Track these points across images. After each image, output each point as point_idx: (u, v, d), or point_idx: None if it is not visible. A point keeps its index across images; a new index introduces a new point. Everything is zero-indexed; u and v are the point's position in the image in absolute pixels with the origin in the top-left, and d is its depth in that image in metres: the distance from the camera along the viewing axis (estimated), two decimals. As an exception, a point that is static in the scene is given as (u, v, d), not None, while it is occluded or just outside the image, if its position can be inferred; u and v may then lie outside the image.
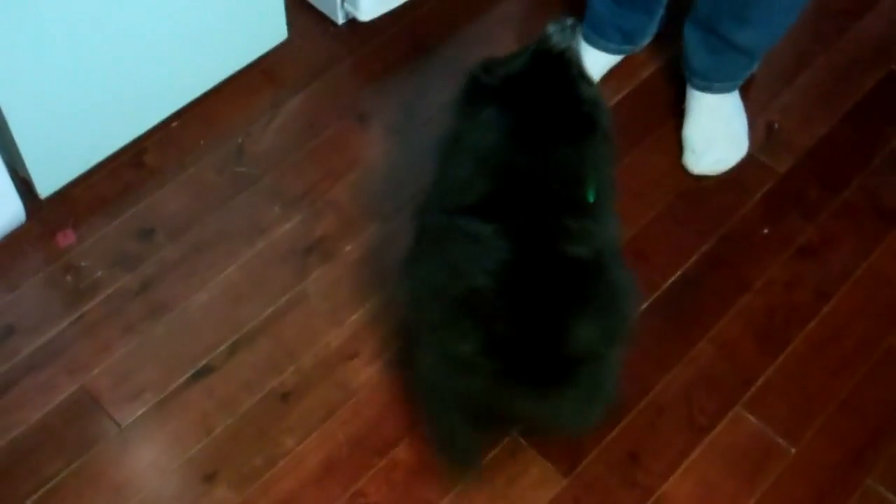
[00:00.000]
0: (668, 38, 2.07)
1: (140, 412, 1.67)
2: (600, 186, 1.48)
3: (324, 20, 2.11)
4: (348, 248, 1.84)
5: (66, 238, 1.82)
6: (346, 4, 2.04)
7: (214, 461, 1.63)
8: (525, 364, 1.44)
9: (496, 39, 2.13)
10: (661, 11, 2.00)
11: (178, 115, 1.96)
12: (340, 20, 2.08)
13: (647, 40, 2.08)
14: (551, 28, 1.49)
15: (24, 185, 1.80)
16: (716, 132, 1.98)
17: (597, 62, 2.04)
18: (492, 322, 1.43)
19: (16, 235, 1.81)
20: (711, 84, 1.98)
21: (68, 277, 1.79)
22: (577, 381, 1.49)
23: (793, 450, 1.66)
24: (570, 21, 1.50)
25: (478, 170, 1.46)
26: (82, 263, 1.80)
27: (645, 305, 1.79)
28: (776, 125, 2.04)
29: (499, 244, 1.42)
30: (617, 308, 1.51)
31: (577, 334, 1.45)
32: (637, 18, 2.00)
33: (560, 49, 1.48)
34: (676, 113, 2.03)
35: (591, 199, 1.47)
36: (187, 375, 1.70)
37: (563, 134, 1.44)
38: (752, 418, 1.69)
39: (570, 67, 1.50)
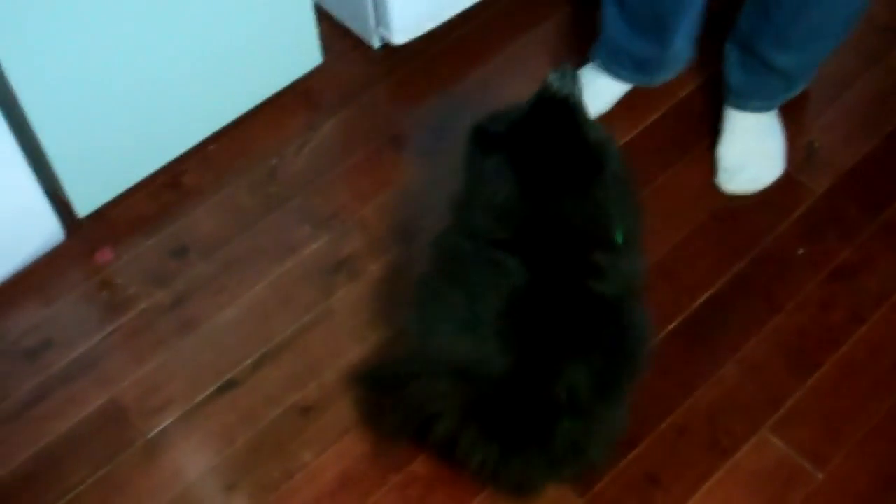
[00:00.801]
0: (708, 55, 2.05)
1: (166, 423, 1.71)
2: (624, 225, 1.49)
3: (359, 44, 2.15)
4: (374, 267, 1.87)
5: (104, 256, 1.88)
6: (380, 28, 2.08)
7: (235, 472, 1.66)
8: (498, 409, 1.44)
9: (530, 63, 2.14)
10: (677, 43, 1.94)
11: (215, 137, 2.01)
12: (376, 44, 2.12)
13: (665, 75, 2.03)
14: (552, 76, 1.52)
15: (63, 205, 1.87)
16: (749, 151, 1.95)
17: (608, 90, 2.03)
18: (484, 355, 1.44)
19: (55, 253, 1.88)
20: (748, 103, 1.95)
21: (104, 293, 1.85)
22: (551, 436, 1.46)
23: (819, 475, 1.62)
24: (570, 67, 1.53)
25: (496, 219, 1.48)
26: (118, 280, 1.86)
27: (671, 326, 1.77)
28: (816, 144, 2.00)
29: (519, 273, 1.43)
30: (623, 356, 1.49)
31: (568, 380, 1.43)
32: (649, 48, 1.95)
33: (563, 95, 1.50)
34: (713, 132, 2.01)
35: (620, 240, 1.47)
36: (213, 388, 1.74)
37: (572, 178, 1.46)
38: (778, 442, 1.65)
39: (575, 112, 1.51)
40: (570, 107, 1.50)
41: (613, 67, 2.01)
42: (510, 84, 2.10)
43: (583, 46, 2.12)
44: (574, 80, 1.51)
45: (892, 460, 1.64)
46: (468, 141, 1.54)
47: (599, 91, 2.01)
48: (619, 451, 1.63)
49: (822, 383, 1.71)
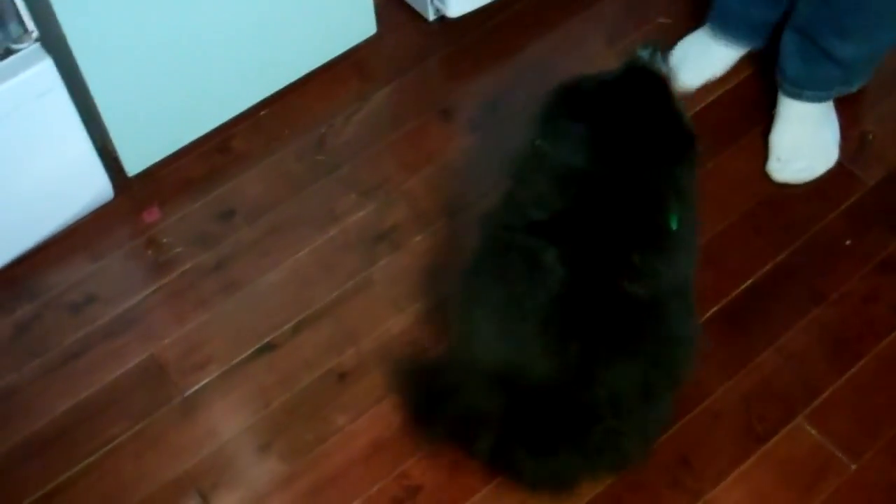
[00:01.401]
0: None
1: (204, 382, 1.73)
2: (683, 215, 1.43)
3: (414, 16, 2.15)
4: (418, 238, 1.87)
5: (151, 215, 1.91)
6: (435, 1, 2.08)
7: (269, 433, 1.68)
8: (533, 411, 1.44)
9: (587, 41, 2.13)
10: (785, 5, 1.94)
11: (267, 103, 2.03)
12: (431, 16, 2.12)
13: (767, 38, 2.03)
14: (641, 51, 1.47)
15: (113, 163, 1.90)
16: (803, 140, 1.92)
17: (723, 57, 2.04)
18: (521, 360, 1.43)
19: (104, 210, 1.91)
20: (802, 92, 1.92)
21: (150, 252, 1.88)
22: (583, 441, 1.46)
23: (853, 466, 1.60)
24: (658, 44, 1.48)
25: (556, 185, 1.42)
26: (164, 240, 1.89)
27: (712, 311, 1.76)
28: (871, 136, 1.97)
29: (556, 271, 1.38)
30: (663, 362, 1.46)
31: (610, 384, 1.41)
32: (765, 11, 1.96)
33: (654, 68, 1.46)
34: (767, 119, 1.98)
35: (675, 226, 1.41)
36: (252, 350, 1.76)
37: (661, 152, 1.40)
38: (813, 431, 1.64)
39: (666, 86, 1.46)
40: (660, 80, 1.46)
41: (728, 36, 2.01)
42: (565, 62, 2.09)
43: (640, 25, 2.11)
44: (663, 57, 1.48)
45: (929, 456, 1.62)
46: (548, 101, 1.46)
47: (713, 57, 2.03)
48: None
49: (861, 375, 1.69)
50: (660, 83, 1.46)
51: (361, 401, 1.70)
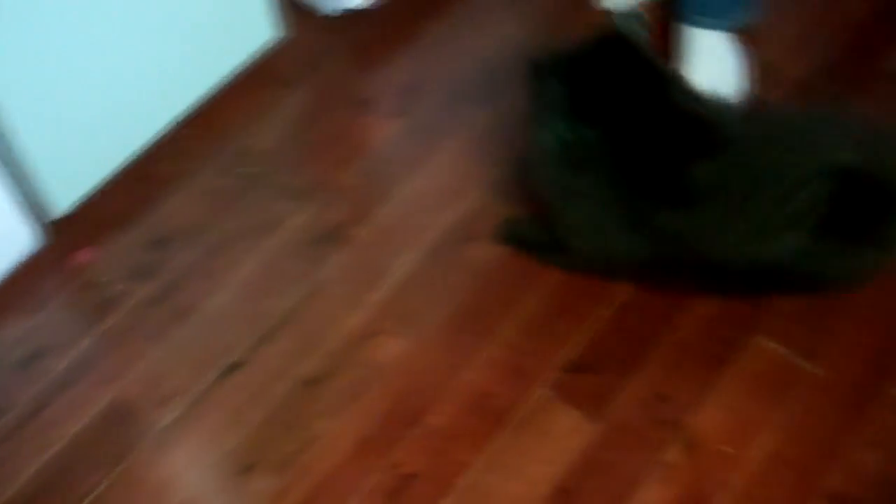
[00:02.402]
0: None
1: (174, 414, 1.68)
2: None
3: (315, 13, 2.12)
4: (362, 232, 1.85)
5: (84, 256, 1.84)
6: (336, -6, 2.07)
7: (251, 452, 1.64)
8: None
9: (491, 17, 2.13)
10: None
11: (183, 123, 1.97)
12: (333, 10, 2.10)
13: None
14: (619, 19, 1.62)
15: (36, 209, 1.83)
16: (712, 75, 1.95)
17: None
18: None
19: (34, 259, 1.84)
20: (703, 19, 1.97)
21: (90, 294, 1.81)
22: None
23: (819, 371, 1.64)
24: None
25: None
26: (102, 279, 1.83)
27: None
28: (770, 62, 2.01)
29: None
30: None
31: None
32: None
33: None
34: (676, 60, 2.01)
35: None
36: (217, 373, 1.71)
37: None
38: (772, 344, 1.67)
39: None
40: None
41: None
42: (474, 36, 2.09)
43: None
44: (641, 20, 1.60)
45: (883, 348, 1.67)
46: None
47: None
48: (626, 373, 1.65)
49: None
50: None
51: (338, 402, 1.67)
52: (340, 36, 2.10)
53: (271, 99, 2.02)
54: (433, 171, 1.91)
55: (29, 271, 1.84)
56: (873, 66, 2.00)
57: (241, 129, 1.99)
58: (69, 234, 1.87)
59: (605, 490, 1.57)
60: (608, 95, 1.52)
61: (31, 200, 1.82)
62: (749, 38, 2.02)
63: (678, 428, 1.61)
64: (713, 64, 1.97)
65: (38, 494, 1.62)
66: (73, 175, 1.84)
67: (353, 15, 2.10)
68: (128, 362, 1.74)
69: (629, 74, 1.53)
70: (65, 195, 1.85)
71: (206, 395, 1.70)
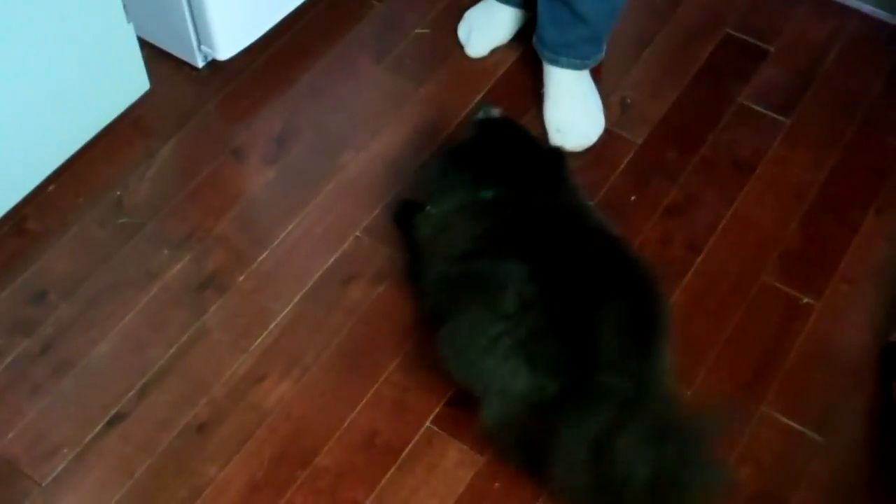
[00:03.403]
0: (526, 25, 2.21)
1: (60, 468, 1.68)
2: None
3: (184, 65, 2.16)
4: (241, 278, 1.89)
5: (-41, 313, 1.83)
6: (202, 47, 2.10)
7: (141, 501, 1.65)
8: None
9: (356, 62, 2.21)
10: None
11: (53, 178, 1.98)
12: (200, 63, 2.14)
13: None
14: (481, 113, 1.86)
15: None
16: (575, 110, 2.09)
17: (506, 21, 2.23)
18: None
19: None
20: (559, 58, 2.08)
21: (-33, 352, 1.80)
22: None
23: (687, 392, 1.76)
24: (487, 104, 1.89)
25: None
26: (-21, 337, 1.82)
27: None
28: (628, 100, 2.16)
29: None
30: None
31: None
32: None
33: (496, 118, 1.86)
34: (538, 99, 2.12)
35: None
36: (101, 425, 1.72)
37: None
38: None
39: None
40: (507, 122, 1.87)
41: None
42: (339, 83, 2.17)
43: (400, 38, 2.22)
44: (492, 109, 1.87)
45: (744, 367, 1.80)
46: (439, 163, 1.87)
47: (496, 22, 2.22)
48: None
49: (675, 311, 1.84)
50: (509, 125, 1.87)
51: (227, 446, 1.71)
52: (210, 87, 2.14)
53: (143, 150, 2.05)
54: (310, 215, 1.97)
55: None
56: (728, 100, 2.16)
57: (115, 180, 2.00)
58: (-59, 292, 1.85)
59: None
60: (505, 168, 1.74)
61: None
62: (602, 76, 2.16)
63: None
64: (574, 100, 2.09)
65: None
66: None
67: (221, 65, 2.15)
68: (9, 419, 1.73)
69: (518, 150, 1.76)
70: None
71: (91, 446, 1.70)
